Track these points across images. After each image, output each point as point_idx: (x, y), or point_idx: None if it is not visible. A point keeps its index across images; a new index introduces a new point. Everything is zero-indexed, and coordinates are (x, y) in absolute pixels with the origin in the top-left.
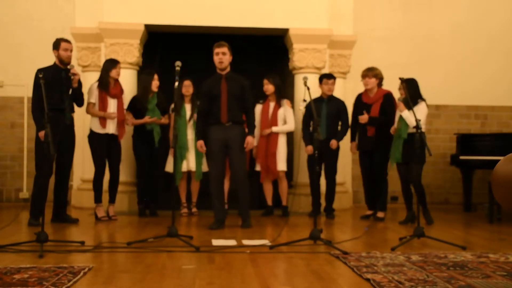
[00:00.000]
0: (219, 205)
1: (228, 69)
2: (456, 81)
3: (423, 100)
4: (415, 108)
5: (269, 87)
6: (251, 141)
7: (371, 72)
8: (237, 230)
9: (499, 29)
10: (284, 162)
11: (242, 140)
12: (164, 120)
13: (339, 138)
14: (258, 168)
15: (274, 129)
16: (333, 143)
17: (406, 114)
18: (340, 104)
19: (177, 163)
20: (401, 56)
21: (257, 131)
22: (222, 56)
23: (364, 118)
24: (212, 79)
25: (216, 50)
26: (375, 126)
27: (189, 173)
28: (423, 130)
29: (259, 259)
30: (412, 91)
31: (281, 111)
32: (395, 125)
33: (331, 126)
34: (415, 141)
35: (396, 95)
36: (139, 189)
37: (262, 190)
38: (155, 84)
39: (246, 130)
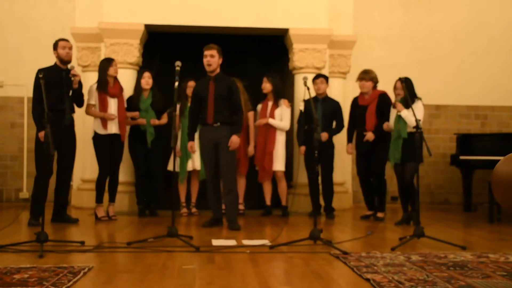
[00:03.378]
0: (213, 205)
1: (218, 70)
2: (456, 81)
3: (419, 98)
4: (413, 107)
5: (266, 86)
6: (235, 141)
7: (367, 76)
8: (237, 230)
9: (499, 29)
10: (281, 163)
11: None
12: (159, 121)
13: (332, 134)
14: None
15: (271, 121)
16: (324, 135)
17: (406, 114)
18: (335, 105)
19: (182, 162)
20: (401, 56)
21: (255, 133)
22: (210, 59)
23: (370, 136)
24: (201, 81)
25: (205, 52)
26: (378, 134)
27: (189, 173)
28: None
29: (259, 259)
30: (409, 90)
31: (278, 111)
32: (390, 123)
33: (326, 127)
34: (415, 141)
35: (392, 95)
36: (137, 189)
37: (261, 189)
38: (144, 82)
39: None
